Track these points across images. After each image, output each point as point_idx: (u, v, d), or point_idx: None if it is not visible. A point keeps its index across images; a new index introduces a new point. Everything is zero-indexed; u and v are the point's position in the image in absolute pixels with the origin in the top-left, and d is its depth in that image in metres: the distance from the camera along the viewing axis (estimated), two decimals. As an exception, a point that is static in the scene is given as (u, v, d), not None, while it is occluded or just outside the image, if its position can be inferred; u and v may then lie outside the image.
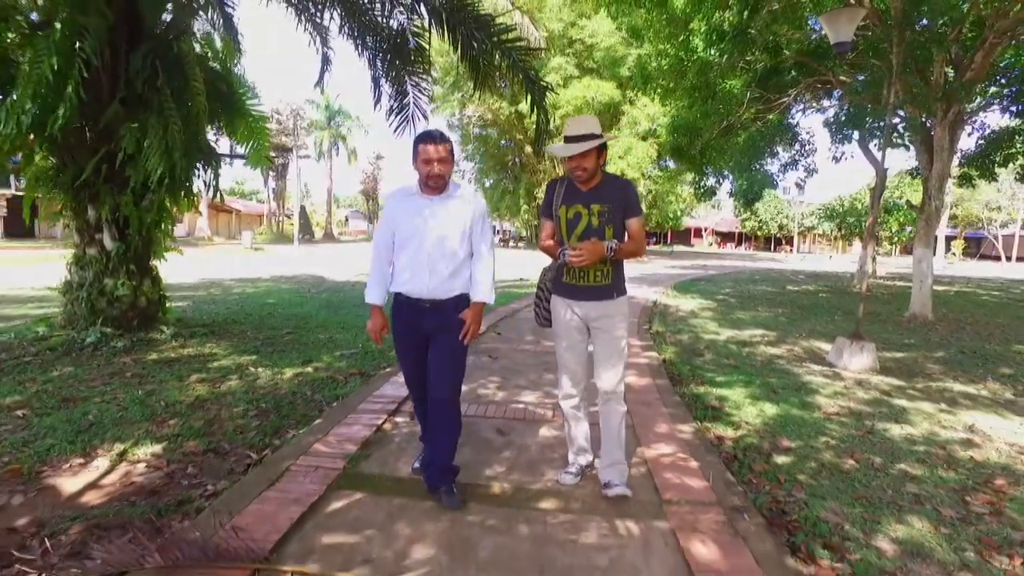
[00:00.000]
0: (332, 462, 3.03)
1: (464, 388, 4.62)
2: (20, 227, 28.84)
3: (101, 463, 3.22)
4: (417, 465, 3.06)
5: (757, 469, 3.34)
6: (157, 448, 3.43)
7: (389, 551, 2.26)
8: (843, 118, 11.43)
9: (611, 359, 2.84)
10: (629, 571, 2.21)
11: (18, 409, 3.95)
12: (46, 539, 2.35)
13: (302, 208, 43.43)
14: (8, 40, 5.41)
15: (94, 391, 4.46)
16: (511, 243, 46.08)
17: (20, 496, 2.79)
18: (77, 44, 4.95)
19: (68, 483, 2.97)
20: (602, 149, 2.75)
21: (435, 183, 2.69)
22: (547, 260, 3.05)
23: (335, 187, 53.68)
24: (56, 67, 4.78)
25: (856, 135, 11.47)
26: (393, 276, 2.86)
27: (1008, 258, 46.16)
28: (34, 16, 5.82)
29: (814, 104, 14.37)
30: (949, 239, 52.33)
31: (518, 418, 4.00)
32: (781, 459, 3.51)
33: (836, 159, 12.42)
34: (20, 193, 27.40)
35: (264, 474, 2.90)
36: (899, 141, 11.47)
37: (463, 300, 2.83)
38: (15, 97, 4.95)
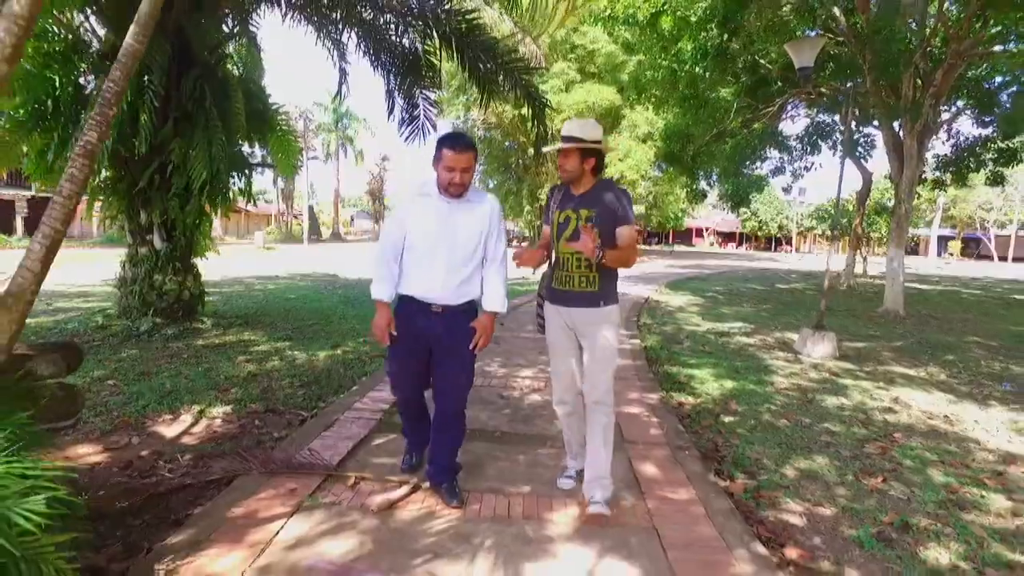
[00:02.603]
0: (371, 414, 3.90)
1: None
2: (40, 227, 29.86)
3: (186, 418, 4.09)
4: (405, 465, 3.04)
5: (705, 424, 4.21)
6: (227, 409, 4.29)
7: (421, 467, 3.13)
8: (812, 130, 12.27)
9: (598, 368, 2.78)
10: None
11: (108, 380, 4.83)
12: (179, 455, 3.24)
13: (310, 208, 44.39)
14: (82, 69, 6.30)
15: (162, 368, 5.33)
16: (514, 243, 46.96)
17: (136, 438, 3.66)
18: (146, 77, 5.84)
19: (167, 430, 3.84)
20: (588, 155, 2.70)
21: (455, 191, 2.62)
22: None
23: (340, 187, 54.70)
24: (130, 98, 5.67)
25: (825, 145, 12.32)
26: (401, 276, 2.76)
27: (1003, 258, 46.77)
28: (96, 46, 6.72)
29: (807, 112, 15.21)
30: (946, 239, 52.96)
31: (516, 387, 4.87)
32: (727, 418, 4.37)
33: (807, 168, 13.27)
34: (41, 195, 28.41)
35: (319, 423, 3.77)
36: (863, 151, 12.31)
37: (472, 307, 2.80)
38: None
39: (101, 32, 6.80)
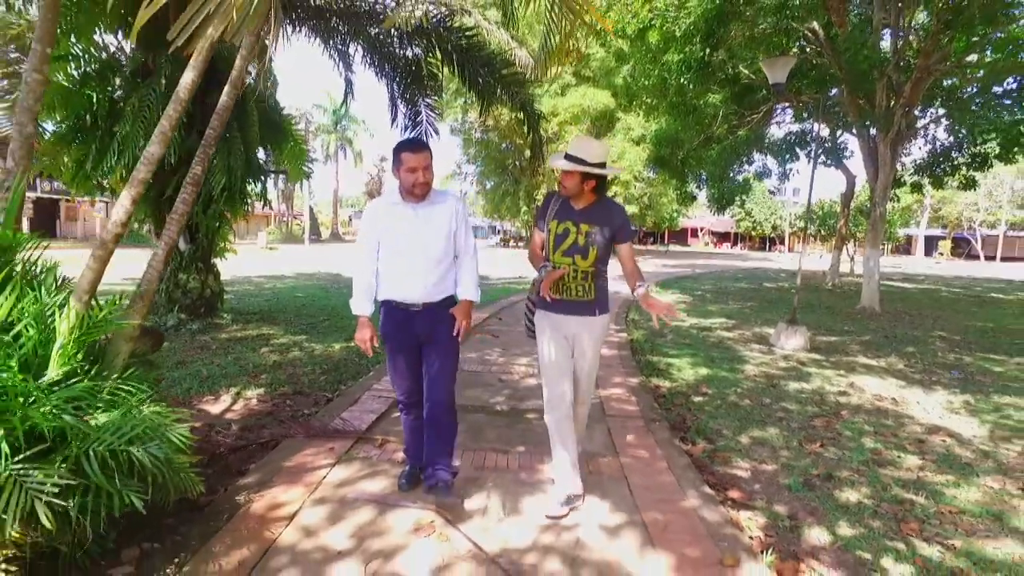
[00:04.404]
0: (388, 394, 4.52)
1: (472, 355, 6.14)
2: (45, 227, 30.46)
3: (226, 399, 4.70)
4: (404, 482, 2.98)
5: (677, 403, 4.85)
6: (260, 391, 4.90)
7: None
8: (791, 138, 12.97)
9: (586, 375, 2.98)
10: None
11: (151, 367, 5.44)
12: (228, 426, 3.86)
13: (310, 209, 44.99)
14: (116, 85, 6.91)
15: (195, 358, 5.94)
16: (511, 243, 47.58)
17: (187, 412, 4.27)
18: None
19: (212, 408, 4.45)
20: (589, 177, 2.76)
21: (421, 191, 2.70)
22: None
23: (339, 188, 55.30)
24: (161, 113, 6.27)
25: (802, 152, 12.99)
26: (379, 284, 2.87)
27: (991, 258, 47.62)
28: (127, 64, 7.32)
29: (794, 118, 15.88)
30: (935, 239, 53.84)
31: (514, 373, 5.50)
32: (697, 399, 5.01)
33: (784, 173, 13.96)
34: (44, 196, 28.98)
35: (344, 402, 4.40)
36: (838, 157, 13.02)
37: (451, 300, 2.90)
38: (126, 133, 6.46)
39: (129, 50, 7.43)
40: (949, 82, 12.54)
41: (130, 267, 8.36)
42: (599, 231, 2.80)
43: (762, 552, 2.55)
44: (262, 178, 8.64)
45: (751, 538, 2.68)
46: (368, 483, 2.99)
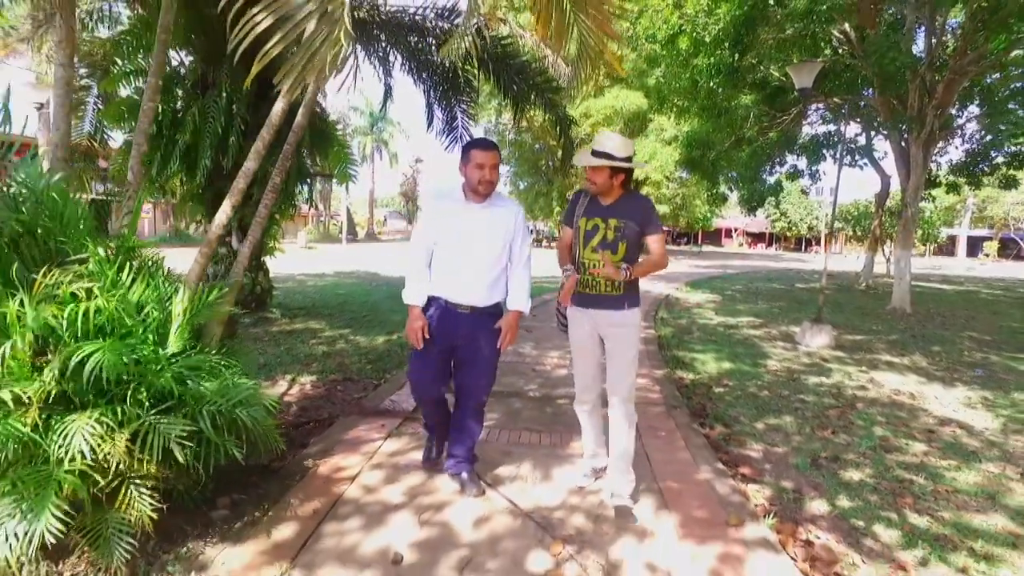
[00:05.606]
0: (430, 381, 4.94)
1: (508, 348, 6.51)
2: (99, 226, 31.94)
3: (283, 384, 5.17)
4: (426, 461, 3.21)
5: (699, 393, 5.16)
6: (312, 378, 5.36)
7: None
8: (818, 140, 13.03)
9: (621, 369, 2.91)
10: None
11: (214, 355, 5.97)
12: (291, 404, 4.33)
13: (347, 209, 46.06)
14: (178, 96, 7.51)
15: (250, 348, 6.45)
16: (544, 243, 47.94)
17: (252, 394, 4.76)
18: (234, 106, 7.00)
19: (270, 391, 4.91)
20: (618, 171, 2.78)
21: (486, 189, 2.74)
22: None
23: (374, 188, 56.43)
24: (223, 122, 6.83)
25: (828, 153, 13.01)
26: (431, 279, 2.88)
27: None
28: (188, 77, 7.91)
29: (823, 120, 15.85)
30: (980, 240, 52.29)
31: (546, 364, 5.88)
32: (718, 390, 5.31)
33: (812, 175, 14.00)
34: (97, 197, 30.32)
35: (391, 387, 4.83)
36: (862, 158, 13.07)
37: (498, 308, 2.90)
38: (187, 140, 7.02)
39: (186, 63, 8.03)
40: (990, 80, 12.42)
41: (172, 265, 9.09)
42: (628, 224, 2.80)
43: (764, 517, 2.87)
44: (308, 181, 9.18)
45: (756, 506, 3.01)
46: (417, 453, 3.40)
